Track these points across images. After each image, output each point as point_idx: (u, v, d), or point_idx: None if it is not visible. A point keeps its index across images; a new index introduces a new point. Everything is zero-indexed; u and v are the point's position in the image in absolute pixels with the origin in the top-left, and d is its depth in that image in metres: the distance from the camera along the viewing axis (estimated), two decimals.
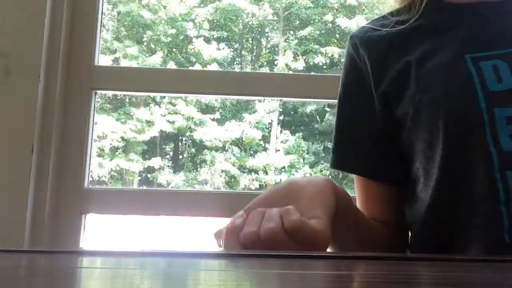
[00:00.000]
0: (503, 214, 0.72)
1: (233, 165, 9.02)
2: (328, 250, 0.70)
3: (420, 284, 0.42)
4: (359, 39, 0.91)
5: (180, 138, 9.99)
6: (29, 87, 1.23)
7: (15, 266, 0.48)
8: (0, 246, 0.60)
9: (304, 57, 9.31)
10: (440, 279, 0.44)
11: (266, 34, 10.21)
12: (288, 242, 0.62)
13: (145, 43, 9.53)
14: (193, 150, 9.65)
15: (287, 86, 1.37)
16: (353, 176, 0.92)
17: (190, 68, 8.44)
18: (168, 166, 9.66)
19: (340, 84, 0.94)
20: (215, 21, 9.74)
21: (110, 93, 6.31)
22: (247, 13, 9.72)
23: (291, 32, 9.84)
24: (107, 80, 1.34)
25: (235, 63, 10.23)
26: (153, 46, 9.49)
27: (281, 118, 9.73)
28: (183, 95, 6.17)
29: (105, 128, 8.76)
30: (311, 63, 9.27)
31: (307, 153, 9.16)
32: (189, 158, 9.71)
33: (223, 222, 0.72)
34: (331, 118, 8.92)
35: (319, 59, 9.24)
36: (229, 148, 9.19)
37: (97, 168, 8.84)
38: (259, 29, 10.06)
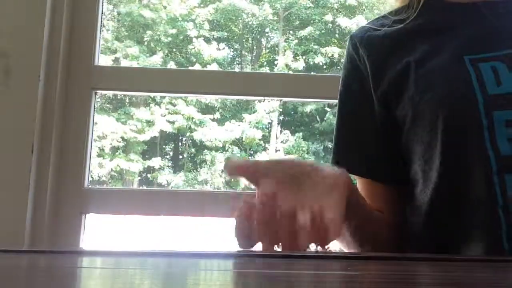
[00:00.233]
0: (501, 218, 0.72)
1: None
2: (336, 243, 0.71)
3: (420, 284, 0.42)
4: (358, 39, 0.91)
5: (180, 138, 9.99)
6: (29, 87, 1.23)
7: (15, 266, 0.48)
8: (0, 246, 0.60)
9: (304, 57, 9.31)
10: (440, 279, 0.44)
11: (266, 34, 10.21)
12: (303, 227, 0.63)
13: (145, 43, 9.53)
14: (193, 150, 9.65)
15: (287, 86, 1.37)
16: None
17: (190, 68, 8.44)
18: (168, 166, 9.66)
19: (340, 84, 0.93)
20: (215, 21, 9.74)
21: (110, 93, 6.31)
22: (247, 13, 9.72)
23: (291, 32, 9.84)
24: (107, 80, 1.34)
25: (235, 63, 10.24)
26: (153, 46, 9.49)
27: (281, 118, 9.73)
28: (183, 95, 6.16)
29: (105, 128, 8.76)
30: (311, 63, 9.27)
31: (307, 153, 9.15)
32: (189, 158, 9.71)
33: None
34: (331, 117, 8.92)
35: (319, 59, 9.24)
36: (229, 148, 9.19)
37: (97, 168, 8.84)
38: (259, 29, 10.07)
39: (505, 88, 0.75)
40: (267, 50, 10.14)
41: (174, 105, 9.09)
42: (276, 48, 9.92)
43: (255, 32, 10.09)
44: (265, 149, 9.26)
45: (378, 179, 0.88)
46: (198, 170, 9.37)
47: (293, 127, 9.57)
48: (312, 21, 9.49)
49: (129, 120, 9.09)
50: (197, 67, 9.03)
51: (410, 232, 0.84)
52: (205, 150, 9.25)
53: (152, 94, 6.43)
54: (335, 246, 0.83)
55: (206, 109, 9.34)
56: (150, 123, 9.13)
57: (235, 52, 10.28)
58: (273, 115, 9.40)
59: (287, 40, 9.77)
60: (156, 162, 9.28)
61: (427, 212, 0.79)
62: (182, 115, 9.06)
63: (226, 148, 9.18)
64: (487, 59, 0.78)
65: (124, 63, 9.07)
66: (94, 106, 1.33)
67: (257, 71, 8.66)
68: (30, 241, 1.21)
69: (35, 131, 1.23)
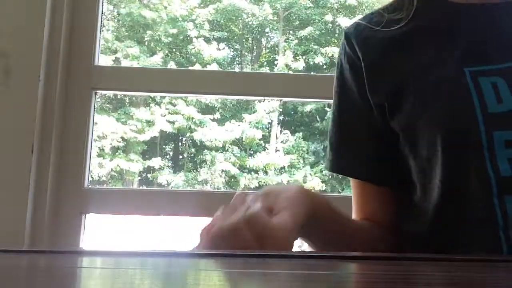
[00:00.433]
0: (501, 240, 0.71)
1: (233, 165, 9.02)
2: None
3: (420, 284, 0.42)
4: (354, 37, 0.88)
5: (180, 138, 9.99)
6: (29, 87, 1.23)
7: (15, 266, 0.48)
8: (0, 246, 0.60)
9: (304, 57, 9.31)
10: (440, 279, 0.44)
11: (266, 34, 10.21)
12: (246, 235, 0.61)
13: (146, 43, 9.53)
14: (193, 150, 9.65)
15: (287, 86, 1.38)
16: None
17: (190, 68, 8.44)
18: (168, 166, 9.65)
19: (335, 84, 0.90)
20: (215, 21, 9.74)
21: (110, 93, 6.31)
22: (247, 13, 9.72)
23: (291, 32, 9.84)
24: (107, 80, 1.34)
25: (235, 63, 10.23)
26: (153, 46, 9.49)
27: (281, 118, 9.72)
28: (183, 95, 6.16)
29: (105, 128, 8.75)
30: (311, 63, 9.26)
31: (307, 153, 9.15)
32: (189, 158, 9.71)
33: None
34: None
35: (319, 59, 9.23)
36: (229, 148, 9.18)
37: (97, 168, 8.84)
38: (259, 29, 10.06)
39: (506, 106, 0.73)
40: (267, 50, 10.14)
41: (174, 105, 9.08)
42: (276, 48, 9.91)
43: (255, 32, 10.09)
44: (265, 149, 9.26)
45: (374, 181, 0.86)
46: (198, 170, 9.36)
47: (293, 127, 9.57)
48: (312, 21, 9.48)
49: (129, 120, 9.09)
50: (197, 67, 9.03)
51: (409, 241, 0.83)
52: (205, 150, 9.24)
53: (152, 94, 6.43)
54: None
55: (206, 109, 9.33)
56: (150, 123, 9.12)
57: (235, 52, 10.28)
58: (273, 115, 9.39)
59: (287, 40, 9.76)
60: (156, 162, 9.28)
61: (427, 230, 0.78)
62: (182, 115, 9.05)
63: (226, 148, 9.18)
64: (487, 72, 0.76)
65: (125, 63, 9.07)
66: (94, 106, 1.33)
67: (257, 71, 8.66)
68: (30, 241, 1.21)
69: (35, 131, 1.23)
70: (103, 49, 1.31)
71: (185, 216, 1.33)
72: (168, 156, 10.02)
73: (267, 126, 9.40)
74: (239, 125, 9.18)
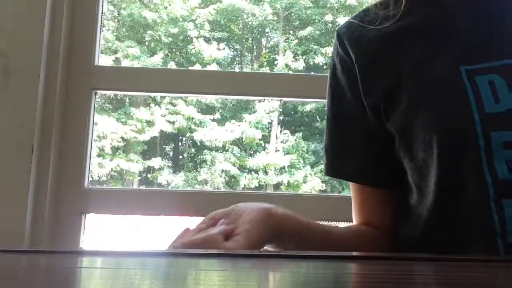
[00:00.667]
0: (499, 247, 0.69)
1: (233, 165, 9.02)
2: None
3: (420, 284, 0.42)
4: (347, 37, 0.86)
5: (180, 138, 9.99)
6: (29, 87, 1.23)
7: (15, 266, 0.48)
8: (0, 246, 0.60)
9: (304, 57, 9.30)
10: (440, 279, 0.44)
11: (266, 34, 10.20)
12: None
13: (146, 43, 9.53)
14: (193, 150, 9.64)
15: (287, 86, 1.37)
16: None
17: (190, 68, 8.44)
18: (168, 166, 9.65)
19: (329, 85, 0.89)
20: (215, 21, 9.74)
21: (110, 93, 6.30)
22: (247, 13, 9.72)
23: (291, 32, 9.84)
24: (107, 80, 1.34)
25: (235, 63, 10.23)
26: (154, 46, 9.49)
27: (281, 118, 9.72)
28: (183, 95, 6.16)
29: (105, 128, 8.75)
30: (311, 63, 9.26)
31: (307, 153, 9.15)
32: (189, 158, 9.71)
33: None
34: None
35: (319, 59, 9.22)
36: (229, 148, 9.18)
37: (97, 168, 8.84)
38: (259, 29, 10.06)
39: (503, 105, 0.71)
40: (267, 50, 10.13)
41: (174, 105, 9.08)
42: (276, 48, 9.91)
43: (255, 32, 10.09)
44: (265, 149, 9.26)
45: (369, 183, 0.85)
46: (198, 170, 9.36)
47: (293, 127, 9.57)
48: (312, 21, 9.48)
49: (129, 120, 9.08)
50: (197, 67, 9.03)
51: (407, 242, 0.82)
52: (205, 150, 9.24)
53: (152, 94, 6.43)
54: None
55: (206, 109, 9.33)
56: (150, 123, 9.12)
57: (235, 52, 10.27)
58: (273, 115, 9.39)
59: (287, 40, 9.76)
60: (156, 162, 9.28)
61: (424, 233, 0.76)
62: (182, 115, 9.05)
63: (226, 148, 9.18)
64: (484, 70, 0.73)
65: (125, 63, 9.07)
66: (94, 106, 1.33)
67: (257, 71, 8.66)
68: (30, 241, 1.21)
69: (35, 131, 1.22)
70: (103, 49, 1.31)
71: (185, 216, 1.33)
72: (168, 156, 10.02)
73: (267, 126, 9.40)
74: (239, 125, 9.18)
